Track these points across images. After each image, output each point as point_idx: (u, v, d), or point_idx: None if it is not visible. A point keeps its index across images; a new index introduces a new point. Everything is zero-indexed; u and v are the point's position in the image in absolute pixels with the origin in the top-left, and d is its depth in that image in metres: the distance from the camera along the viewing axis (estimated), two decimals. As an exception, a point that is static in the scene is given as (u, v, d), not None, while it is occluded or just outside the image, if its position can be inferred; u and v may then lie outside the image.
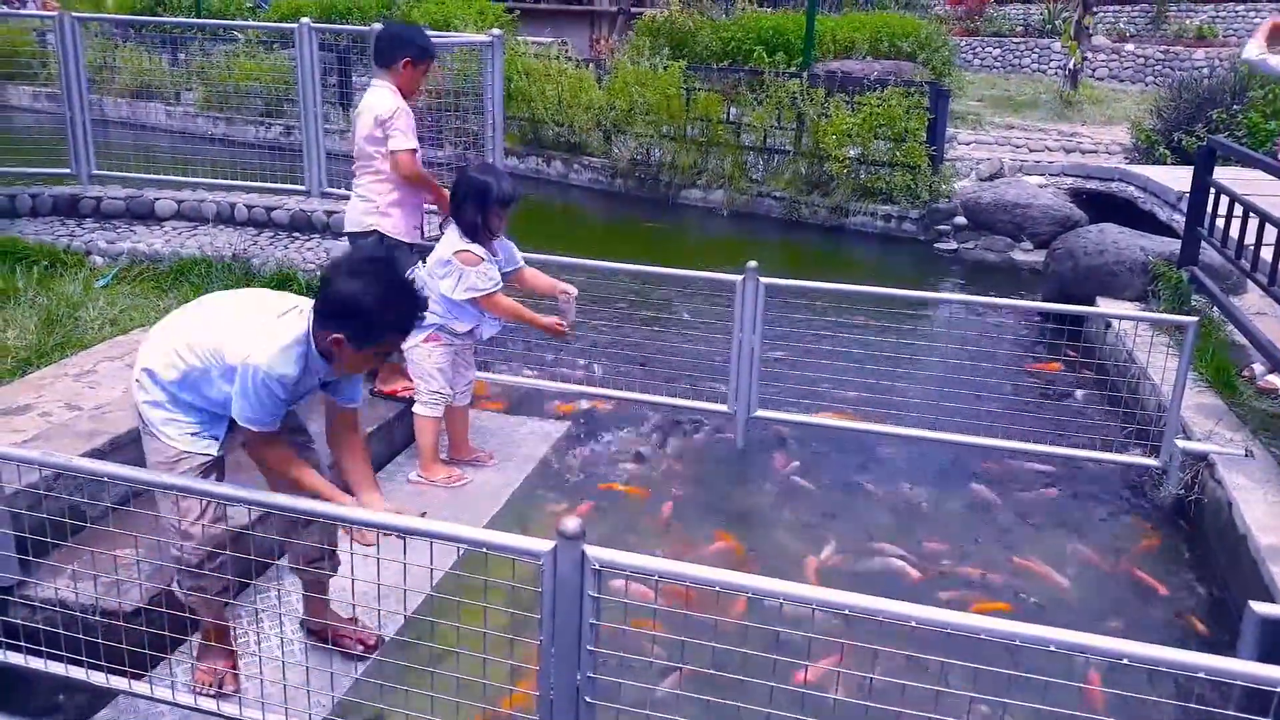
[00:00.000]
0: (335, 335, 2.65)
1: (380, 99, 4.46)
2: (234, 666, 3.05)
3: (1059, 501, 4.57)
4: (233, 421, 2.78)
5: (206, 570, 2.84)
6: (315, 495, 2.72)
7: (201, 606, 2.92)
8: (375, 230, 4.62)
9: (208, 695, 2.91)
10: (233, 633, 3.09)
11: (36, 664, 2.86)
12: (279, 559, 3.41)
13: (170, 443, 2.79)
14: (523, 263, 4.46)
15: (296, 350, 2.68)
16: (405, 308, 2.71)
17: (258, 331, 2.69)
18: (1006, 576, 3.96)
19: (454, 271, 4.14)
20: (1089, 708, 2.92)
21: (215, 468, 2.89)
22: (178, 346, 2.75)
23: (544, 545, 2.20)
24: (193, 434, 2.81)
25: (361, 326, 2.65)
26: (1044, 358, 6.27)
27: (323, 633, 3.26)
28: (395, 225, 4.62)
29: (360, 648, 3.24)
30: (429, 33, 4.87)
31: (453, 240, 4.18)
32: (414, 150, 4.49)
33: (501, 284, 4.25)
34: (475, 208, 4.11)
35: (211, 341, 2.72)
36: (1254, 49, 5.86)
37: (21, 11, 13.80)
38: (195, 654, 3.08)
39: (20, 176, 6.71)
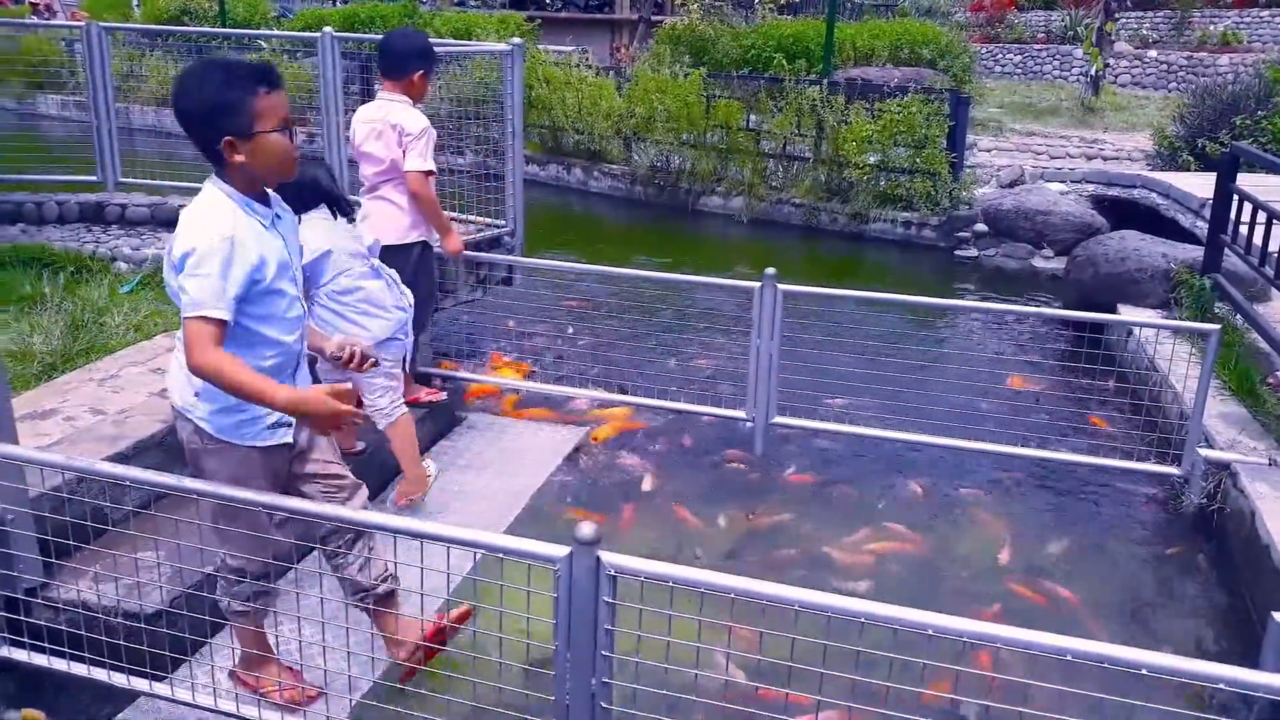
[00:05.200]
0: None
1: (408, 116, 4.29)
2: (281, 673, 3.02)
3: (1080, 509, 4.53)
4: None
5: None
6: (259, 399, 2.43)
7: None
8: (422, 241, 4.52)
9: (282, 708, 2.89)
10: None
11: (59, 665, 2.90)
12: (297, 563, 3.42)
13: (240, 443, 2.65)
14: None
15: (217, 206, 2.48)
16: (215, 82, 2.42)
17: (180, 224, 2.47)
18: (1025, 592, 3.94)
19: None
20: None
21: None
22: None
23: (559, 550, 2.21)
24: (271, 425, 2.67)
25: (203, 122, 2.43)
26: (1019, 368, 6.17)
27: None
28: None
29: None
30: (450, 41, 4.89)
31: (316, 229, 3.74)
32: (429, 173, 4.34)
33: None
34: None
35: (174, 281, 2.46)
36: None
37: (51, 21, 14.00)
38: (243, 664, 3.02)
39: (48, 184, 6.80)
